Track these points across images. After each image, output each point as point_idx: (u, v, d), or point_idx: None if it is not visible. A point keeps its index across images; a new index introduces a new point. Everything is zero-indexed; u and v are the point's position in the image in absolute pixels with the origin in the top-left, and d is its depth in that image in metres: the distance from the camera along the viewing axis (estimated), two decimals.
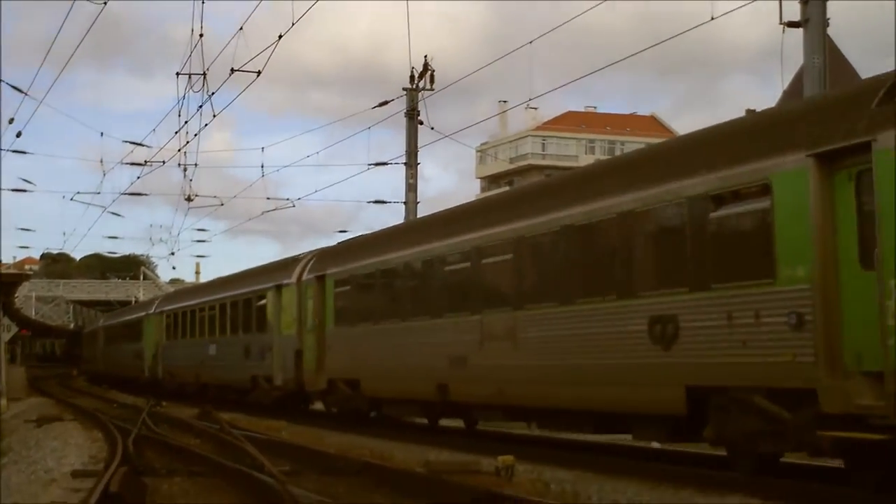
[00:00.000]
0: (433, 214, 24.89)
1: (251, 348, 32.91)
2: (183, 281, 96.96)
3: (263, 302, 32.27)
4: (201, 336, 39.39)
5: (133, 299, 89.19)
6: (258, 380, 32.14)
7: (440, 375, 20.44)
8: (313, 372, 27.40)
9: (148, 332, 49.03)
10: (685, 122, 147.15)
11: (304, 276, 28.88)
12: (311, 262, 29.22)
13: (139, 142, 36.23)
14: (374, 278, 24.27)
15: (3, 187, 69.69)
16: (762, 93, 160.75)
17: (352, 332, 25.24)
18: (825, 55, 19.74)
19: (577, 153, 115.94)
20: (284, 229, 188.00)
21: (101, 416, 27.72)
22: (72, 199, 45.60)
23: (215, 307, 37.96)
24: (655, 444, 18.18)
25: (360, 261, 25.36)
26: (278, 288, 30.78)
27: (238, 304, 35.07)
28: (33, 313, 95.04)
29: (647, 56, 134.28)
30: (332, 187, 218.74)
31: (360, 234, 29.40)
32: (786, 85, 24.40)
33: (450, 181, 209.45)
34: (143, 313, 51.98)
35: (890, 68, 12.39)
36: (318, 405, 29.75)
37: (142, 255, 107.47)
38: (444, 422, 24.40)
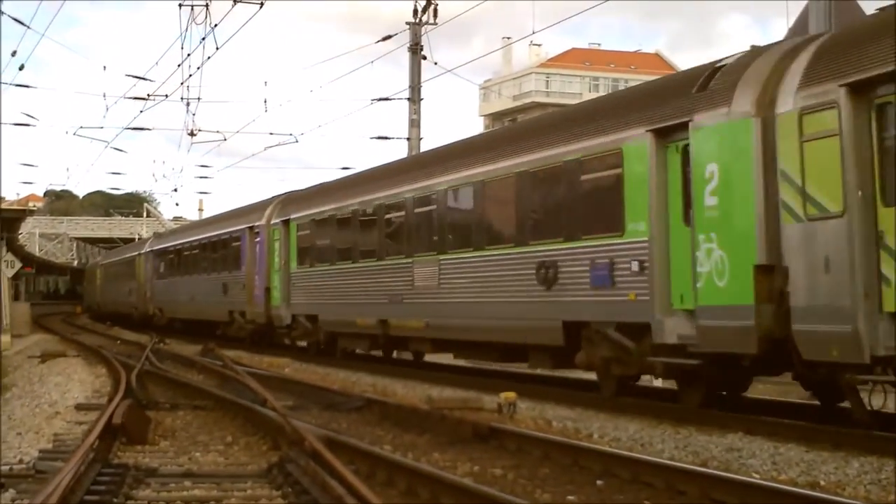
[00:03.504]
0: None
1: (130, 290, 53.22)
2: (184, 219, 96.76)
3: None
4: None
5: (136, 237, 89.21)
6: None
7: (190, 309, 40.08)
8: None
9: (89, 280, 73.34)
10: (686, 60, 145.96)
11: (146, 250, 49.19)
12: (152, 240, 48.75)
13: (141, 75, 36.04)
14: (179, 253, 42.25)
15: (5, 122, 69.56)
16: (754, 32, 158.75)
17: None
18: None
19: (581, 90, 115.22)
20: (285, 166, 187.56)
21: (105, 353, 27.80)
22: (75, 134, 45.61)
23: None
24: (657, 383, 18.24)
25: (172, 241, 43.35)
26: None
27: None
28: (37, 250, 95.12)
29: None
30: (333, 123, 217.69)
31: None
32: (791, 22, 24.17)
33: (451, 119, 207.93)
34: (96, 261, 74.38)
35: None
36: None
37: (145, 192, 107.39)
38: (448, 361, 24.73)
